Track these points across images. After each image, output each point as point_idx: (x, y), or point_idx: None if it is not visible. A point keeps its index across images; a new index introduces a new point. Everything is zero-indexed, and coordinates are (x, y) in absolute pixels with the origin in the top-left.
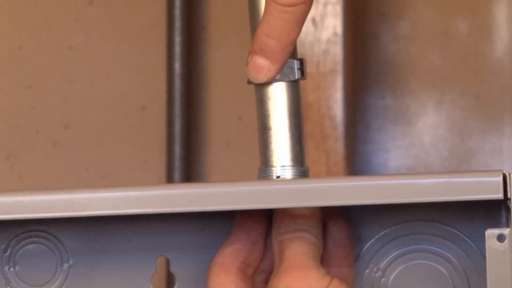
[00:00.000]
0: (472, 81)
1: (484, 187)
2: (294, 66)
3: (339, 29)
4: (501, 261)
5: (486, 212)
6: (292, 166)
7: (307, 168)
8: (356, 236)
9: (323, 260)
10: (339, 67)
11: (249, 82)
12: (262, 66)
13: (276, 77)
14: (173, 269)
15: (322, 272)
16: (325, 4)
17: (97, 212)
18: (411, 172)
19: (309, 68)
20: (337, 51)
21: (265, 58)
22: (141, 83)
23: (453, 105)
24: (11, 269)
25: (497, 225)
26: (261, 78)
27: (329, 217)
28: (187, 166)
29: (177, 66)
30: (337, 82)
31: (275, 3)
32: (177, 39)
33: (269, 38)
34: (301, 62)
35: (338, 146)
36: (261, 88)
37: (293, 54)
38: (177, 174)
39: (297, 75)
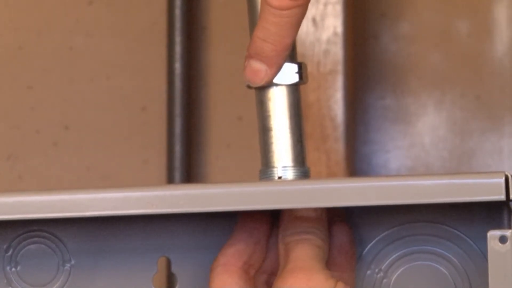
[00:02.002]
0: (473, 81)
1: (486, 188)
2: (293, 70)
3: (339, 29)
4: (503, 262)
5: (488, 213)
6: (293, 166)
7: (308, 168)
8: (357, 237)
9: (326, 264)
10: (340, 67)
11: (249, 87)
12: (258, 70)
13: (273, 81)
14: (174, 269)
15: (327, 275)
16: (325, 4)
17: (99, 212)
18: (412, 172)
19: (310, 68)
20: (338, 51)
21: (261, 62)
22: (141, 83)
23: (453, 105)
24: (13, 269)
25: (498, 226)
26: (258, 82)
27: (332, 221)
28: (187, 166)
29: (177, 66)
30: (338, 82)
31: (270, 7)
32: (177, 39)
33: (264, 42)
34: (300, 66)
35: (338, 146)
36: (261, 89)
37: (293, 58)
38: (177, 174)
39: (295, 78)
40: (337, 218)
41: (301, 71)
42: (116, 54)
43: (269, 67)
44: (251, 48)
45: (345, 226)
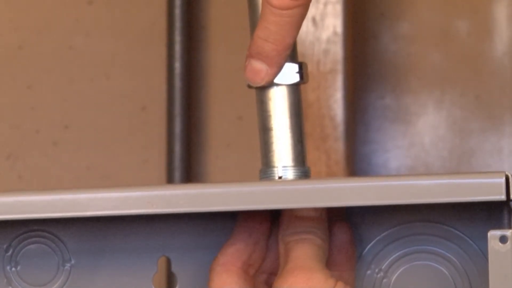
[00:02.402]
0: (472, 81)
1: (487, 188)
2: (293, 70)
3: (339, 28)
4: (504, 262)
5: (488, 213)
6: (294, 166)
7: (308, 168)
8: (357, 237)
9: (326, 264)
10: (339, 67)
11: (249, 86)
12: (259, 70)
13: (274, 80)
14: (174, 269)
15: (327, 274)
16: (325, 4)
17: (99, 212)
18: (412, 172)
19: (310, 68)
20: (337, 51)
21: (262, 62)
22: (141, 83)
23: (453, 104)
24: (13, 269)
25: (498, 226)
26: (259, 81)
27: (331, 220)
28: (187, 166)
29: (177, 65)
30: (337, 81)
31: (271, 7)
32: (177, 38)
33: (265, 42)
34: (301, 65)
35: (338, 146)
36: (261, 89)
37: (294, 57)
38: (177, 174)
39: (296, 78)
40: (337, 217)
41: (301, 71)
42: (116, 54)
43: (270, 67)
44: (252, 47)
45: (345, 226)
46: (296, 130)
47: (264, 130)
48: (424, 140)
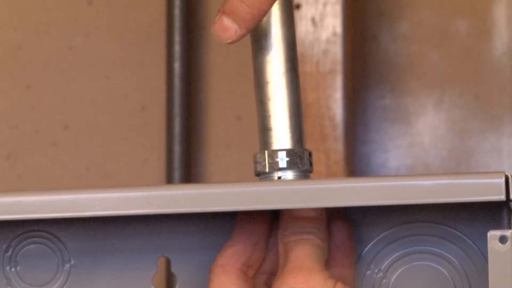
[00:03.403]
0: (472, 81)
1: (486, 188)
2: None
3: (338, 29)
4: (503, 262)
5: (487, 213)
6: None
7: None
8: (357, 238)
9: (325, 262)
10: (339, 67)
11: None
12: (229, 28)
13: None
14: (174, 269)
15: (326, 274)
16: (325, 4)
17: (99, 212)
18: (411, 172)
19: (309, 68)
20: (337, 51)
21: (233, 22)
22: (141, 83)
23: (452, 104)
24: (13, 269)
25: (498, 226)
26: (225, 39)
27: (331, 219)
28: (187, 166)
29: (177, 66)
30: (337, 81)
31: None
32: (177, 38)
33: (242, 3)
34: (310, 153)
35: (337, 146)
36: (261, 89)
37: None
38: (176, 174)
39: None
40: (336, 216)
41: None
42: (115, 54)
43: (240, 28)
44: (227, 4)
45: (344, 224)
46: (296, 130)
47: (264, 130)
48: (424, 140)
